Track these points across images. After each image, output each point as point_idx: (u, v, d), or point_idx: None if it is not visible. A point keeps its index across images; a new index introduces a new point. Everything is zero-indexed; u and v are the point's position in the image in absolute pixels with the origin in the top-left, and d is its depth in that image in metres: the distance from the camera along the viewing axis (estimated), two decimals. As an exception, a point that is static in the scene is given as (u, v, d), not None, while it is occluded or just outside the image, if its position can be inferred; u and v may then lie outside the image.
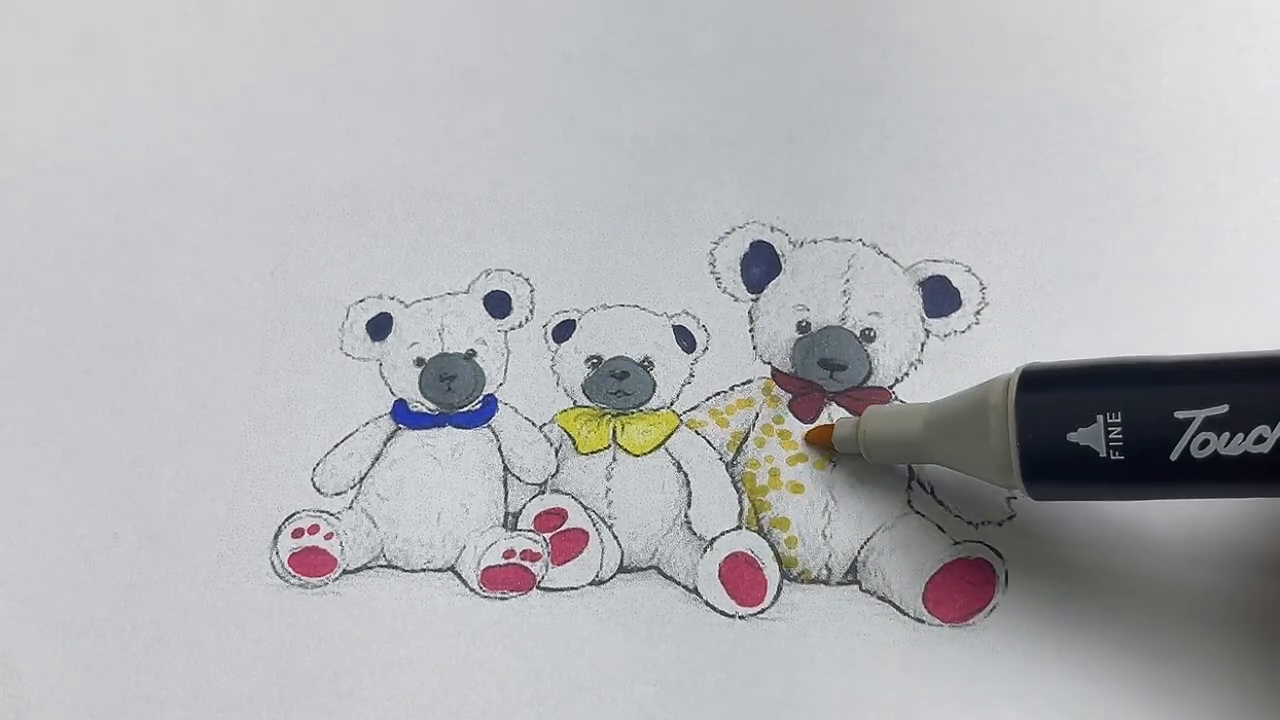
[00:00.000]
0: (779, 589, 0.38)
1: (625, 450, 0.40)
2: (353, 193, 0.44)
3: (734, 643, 0.38)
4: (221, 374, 0.41)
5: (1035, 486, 0.33)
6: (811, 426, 0.40)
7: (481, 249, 0.43)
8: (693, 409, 0.41)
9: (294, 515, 0.40)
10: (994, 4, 0.46)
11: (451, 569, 0.39)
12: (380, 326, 0.42)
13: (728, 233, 0.43)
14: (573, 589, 0.38)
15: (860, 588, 0.38)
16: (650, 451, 0.40)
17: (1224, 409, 0.31)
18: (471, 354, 0.42)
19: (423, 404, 0.41)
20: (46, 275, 0.43)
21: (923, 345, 0.41)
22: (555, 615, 0.38)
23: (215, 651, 0.38)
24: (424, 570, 0.39)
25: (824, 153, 0.44)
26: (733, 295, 0.42)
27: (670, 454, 0.40)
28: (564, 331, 0.42)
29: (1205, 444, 0.31)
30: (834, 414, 0.40)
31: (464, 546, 0.39)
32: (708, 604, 0.38)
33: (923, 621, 0.38)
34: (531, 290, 0.42)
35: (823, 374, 0.41)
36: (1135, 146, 0.44)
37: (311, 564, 0.39)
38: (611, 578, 0.39)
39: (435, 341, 0.42)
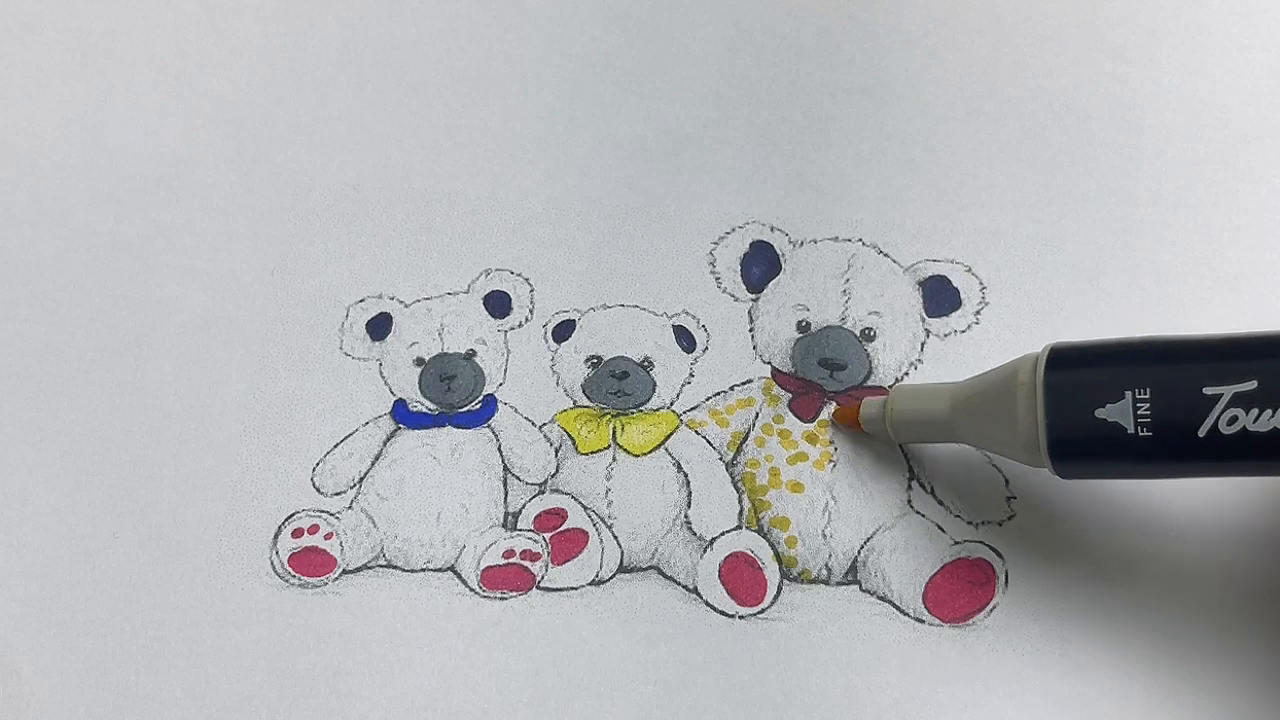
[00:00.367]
0: (779, 589, 0.38)
1: (625, 450, 0.40)
2: (353, 193, 0.44)
3: (734, 643, 0.38)
4: (221, 374, 0.41)
5: (1063, 464, 0.33)
6: (837, 407, 0.40)
7: (481, 249, 0.43)
8: (693, 409, 0.41)
9: (294, 515, 0.40)
10: (994, 4, 0.46)
11: (451, 569, 0.39)
12: (380, 326, 0.42)
13: (727, 233, 0.43)
14: (572, 589, 0.38)
15: (860, 588, 0.38)
16: (650, 451, 0.40)
17: (1253, 385, 0.31)
18: (471, 354, 0.42)
19: (423, 404, 0.41)
20: (46, 275, 0.43)
21: (923, 345, 0.41)
22: (555, 615, 0.38)
23: (215, 651, 0.38)
24: (424, 570, 0.39)
25: (824, 153, 0.44)
26: (732, 295, 0.42)
27: (670, 454, 0.40)
28: (564, 331, 0.42)
29: (1234, 420, 0.31)
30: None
31: (464, 546, 0.39)
32: (708, 604, 0.38)
33: (923, 621, 0.38)
34: (531, 290, 0.42)
35: (823, 374, 0.41)
36: (1135, 146, 0.44)
37: (311, 564, 0.39)
38: (611, 578, 0.39)
39: (435, 341, 0.42)
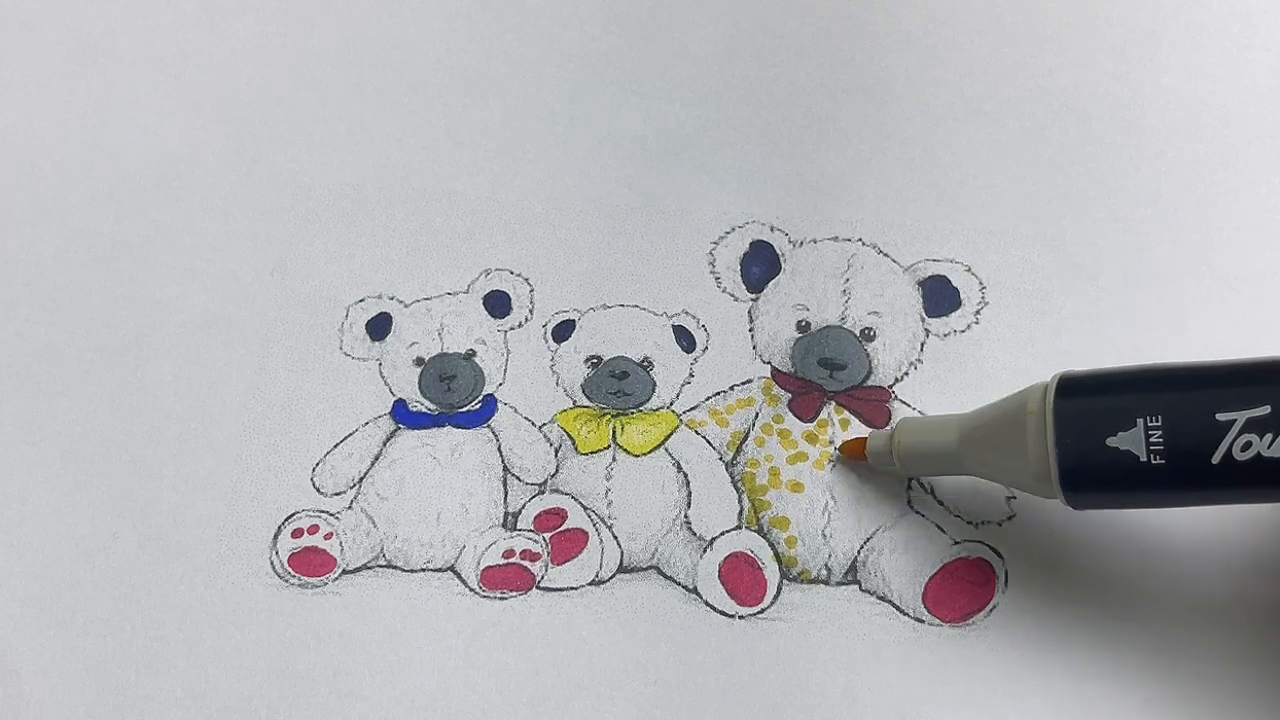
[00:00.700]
0: (779, 589, 0.38)
1: (625, 450, 0.40)
2: (353, 193, 0.44)
3: (734, 643, 0.38)
4: (221, 374, 0.41)
5: (1075, 495, 0.33)
6: (845, 439, 0.40)
7: (481, 249, 0.43)
8: (692, 409, 0.41)
9: (294, 515, 0.40)
10: (994, 4, 0.46)
11: (451, 569, 0.39)
12: (380, 326, 0.42)
13: (727, 232, 0.43)
14: (572, 589, 0.38)
15: (860, 588, 0.38)
16: (650, 451, 0.40)
17: (1266, 410, 0.30)
18: (471, 354, 0.42)
19: (422, 404, 0.41)
20: (46, 275, 0.43)
21: (922, 345, 0.41)
22: (555, 615, 0.38)
23: (215, 651, 0.38)
24: (424, 570, 0.39)
25: (824, 153, 0.44)
26: (732, 295, 0.42)
27: (670, 454, 0.40)
28: (564, 331, 0.42)
29: (1247, 446, 0.30)
30: (833, 414, 0.40)
31: (464, 546, 0.39)
32: (707, 604, 0.38)
33: (923, 621, 0.38)
34: (531, 290, 0.42)
35: (822, 373, 0.41)
36: (1135, 146, 0.44)
37: (311, 564, 0.39)
38: (611, 578, 0.39)
39: (435, 341, 0.42)
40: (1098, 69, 0.45)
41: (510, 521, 0.39)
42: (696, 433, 0.40)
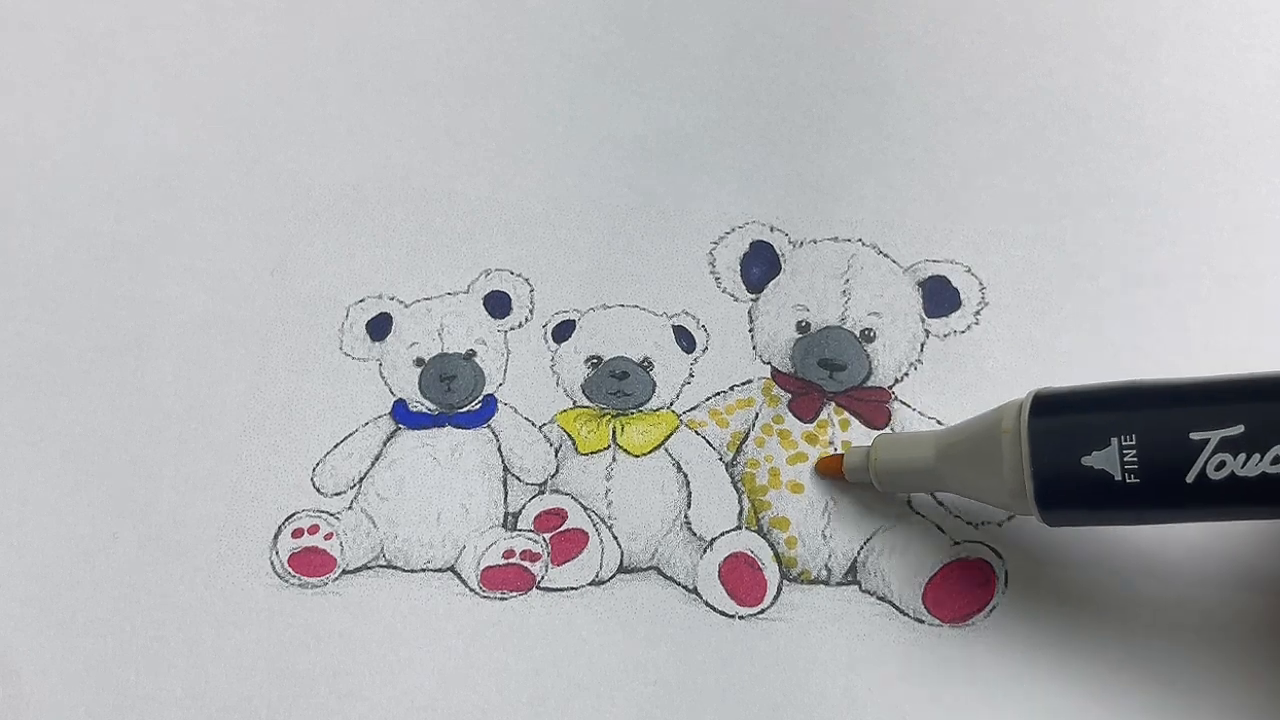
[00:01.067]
0: (779, 589, 0.38)
1: (625, 450, 0.40)
2: (353, 193, 0.44)
3: (734, 643, 0.38)
4: (221, 374, 0.41)
5: (1050, 513, 0.33)
6: (822, 456, 0.40)
7: (481, 249, 0.43)
8: (692, 409, 0.41)
9: (294, 515, 0.40)
10: (994, 4, 0.46)
11: (451, 569, 0.39)
12: (380, 326, 0.42)
13: (727, 233, 0.43)
14: (572, 589, 0.38)
15: (860, 588, 0.38)
16: (650, 452, 0.40)
17: (1239, 429, 0.30)
18: (471, 354, 0.42)
19: (422, 404, 0.41)
20: (46, 275, 0.43)
21: (922, 345, 0.41)
22: (555, 615, 0.38)
23: (215, 651, 0.38)
24: (424, 570, 0.39)
25: (824, 153, 0.44)
26: (732, 295, 0.42)
27: (670, 454, 0.40)
28: (564, 331, 0.42)
29: (1221, 465, 0.30)
30: (833, 414, 0.40)
31: (464, 546, 0.39)
32: (707, 604, 0.38)
33: (922, 622, 0.38)
34: (531, 290, 0.42)
35: (822, 374, 0.41)
36: (1135, 146, 0.44)
37: (311, 564, 0.39)
38: (611, 578, 0.39)
39: (435, 341, 0.42)
40: (1098, 69, 0.45)
41: (510, 522, 0.39)
42: (696, 433, 0.40)
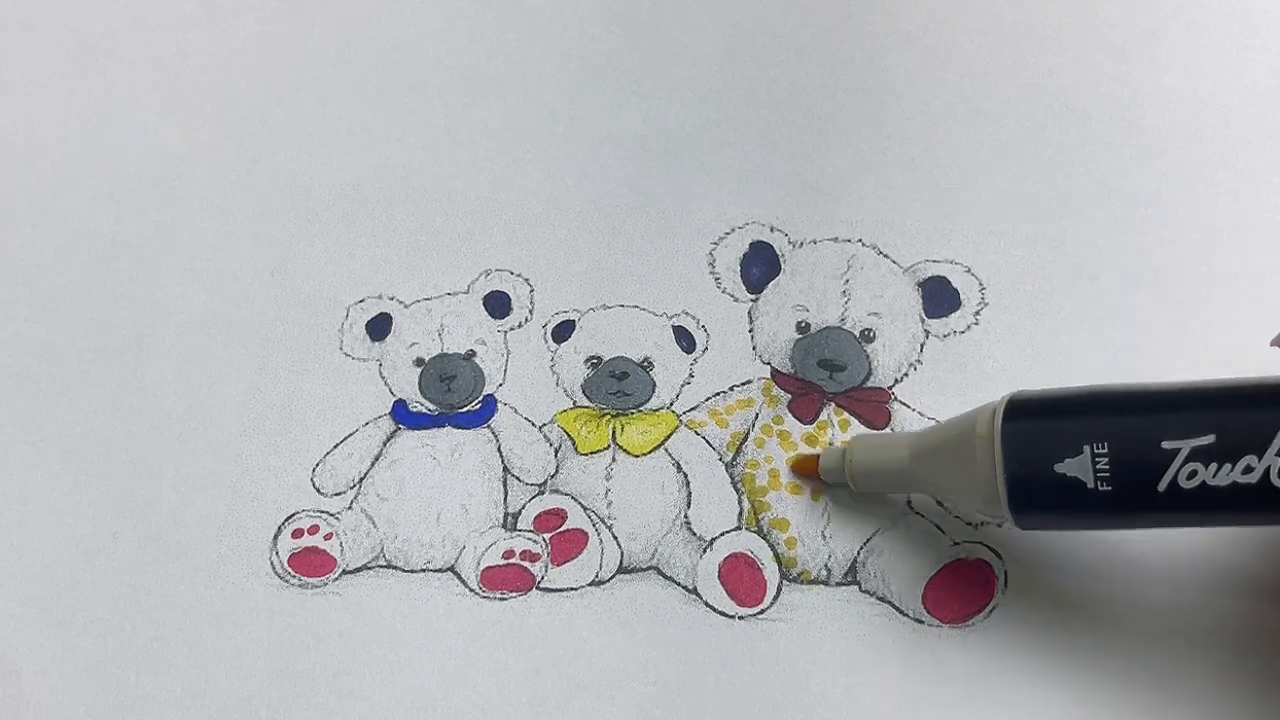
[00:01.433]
0: (778, 589, 0.38)
1: (625, 450, 0.40)
2: (353, 193, 0.44)
3: (733, 643, 0.38)
4: (221, 374, 0.41)
5: (1023, 517, 0.33)
6: (797, 455, 0.40)
7: (481, 249, 0.43)
8: (692, 409, 0.41)
9: (294, 515, 0.40)
10: (994, 4, 0.46)
11: (451, 569, 0.39)
12: (380, 326, 0.42)
13: (727, 233, 0.43)
14: (572, 589, 0.38)
15: (860, 588, 0.38)
16: (650, 452, 0.40)
17: (1210, 439, 0.30)
18: (471, 354, 0.42)
19: (422, 404, 0.41)
20: (46, 275, 0.43)
21: (922, 345, 0.41)
22: (555, 615, 0.38)
23: (215, 651, 0.38)
24: (424, 570, 0.39)
25: (824, 153, 0.44)
26: (732, 295, 0.42)
27: (670, 454, 0.40)
28: (564, 332, 0.42)
29: (1193, 474, 0.30)
30: (833, 415, 0.40)
31: (464, 547, 0.39)
32: (707, 604, 0.38)
33: (922, 622, 0.38)
34: (531, 290, 0.42)
35: (822, 374, 0.41)
36: (1135, 146, 0.44)
37: (311, 564, 0.39)
38: (611, 578, 0.39)
39: (435, 342, 0.42)
40: (1098, 69, 0.45)
41: (510, 522, 0.39)
42: (696, 433, 0.40)
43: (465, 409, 0.41)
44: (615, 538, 0.39)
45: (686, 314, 0.42)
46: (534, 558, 0.39)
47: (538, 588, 0.38)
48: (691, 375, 0.41)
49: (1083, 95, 0.45)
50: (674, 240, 0.43)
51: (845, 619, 0.38)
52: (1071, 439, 0.32)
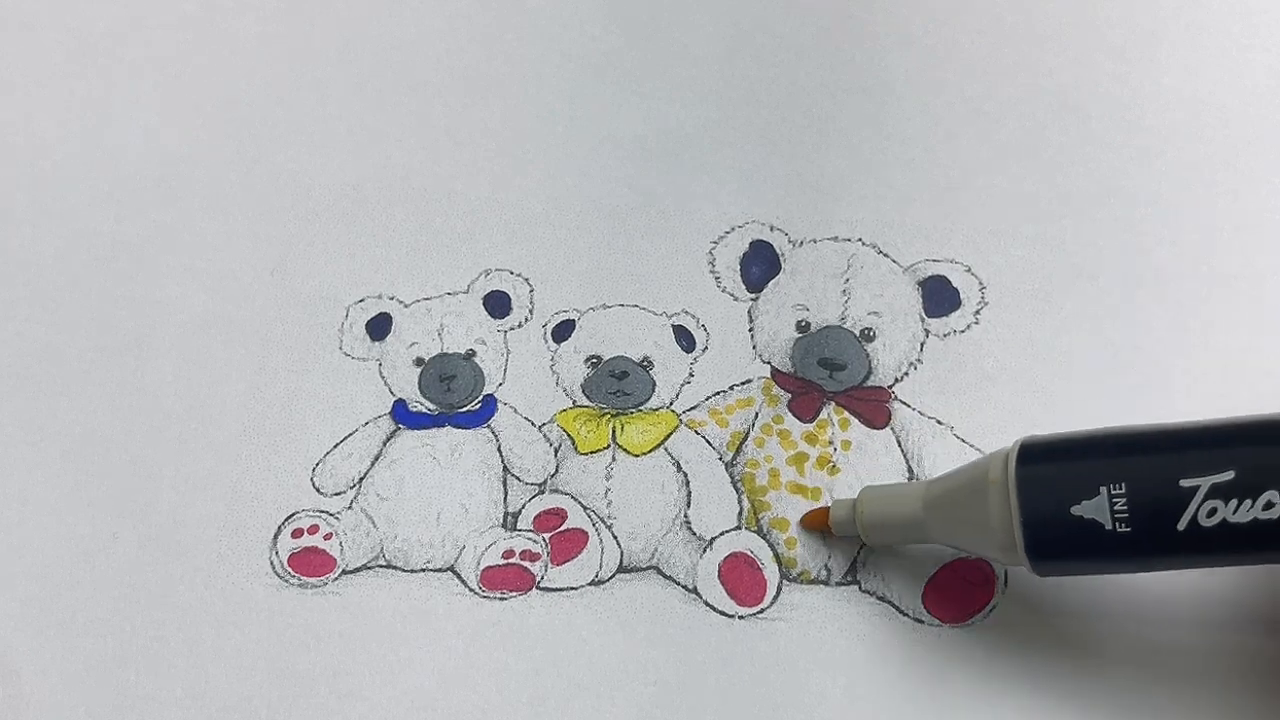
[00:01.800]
0: (778, 589, 0.38)
1: (625, 450, 0.40)
2: (353, 193, 0.44)
3: (733, 643, 0.38)
4: (221, 374, 0.41)
5: (1041, 564, 0.33)
6: (806, 510, 0.39)
7: (481, 249, 0.43)
8: (692, 409, 0.41)
9: (293, 515, 0.40)
10: (994, 4, 0.46)
11: (451, 569, 0.39)
12: (380, 326, 0.42)
13: (727, 232, 0.43)
14: (572, 589, 0.38)
15: (860, 588, 0.38)
16: (650, 451, 0.40)
17: (1230, 475, 0.30)
18: (471, 354, 0.42)
19: (422, 404, 0.41)
20: (46, 275, 0.43)
21: (922, 345, 0.41)
22: (555, 615, 0.38)
23: (215, 651, 0.38)
24: (424, 570, 0.39)
25: (824, 153, 0.44)
26: (732, 295, 0.42)
27: (670, 454, 0.40)
28: (564, 331, 0.42)
29: (1213, 512, 0.30)
30: (833, 414, 0.40)
31: (463, 546, 0.39)
32: (707, 604, 0.38)
33: (922, 622, 0.38)
34: (531, 290, 0.42)
35: (822, 374, 0.41)
36: (1135, 146, 0.44)
37: (311, 564, 0.39)
38: (611, 578, 0.39)
39: (435, 341, 0.42)
40: (1098, 69, 0.45)
41: (510, 521, 0.39)
42: (696, 433, 0.40)
43: (465, 409, 0.41)
44: (615, 537, 0.39)
45: (686, 313, 0.42)
46: (534, 557, 0.39)
47: (538, 587, 0.38)
48: (691, 374, 0.41)
49: (1083, 95, 0.45)
50: (674, 240, 0.43)
51: (845, 619, 0.38)
52: (1087, 481, 0.31)
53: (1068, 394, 0.40)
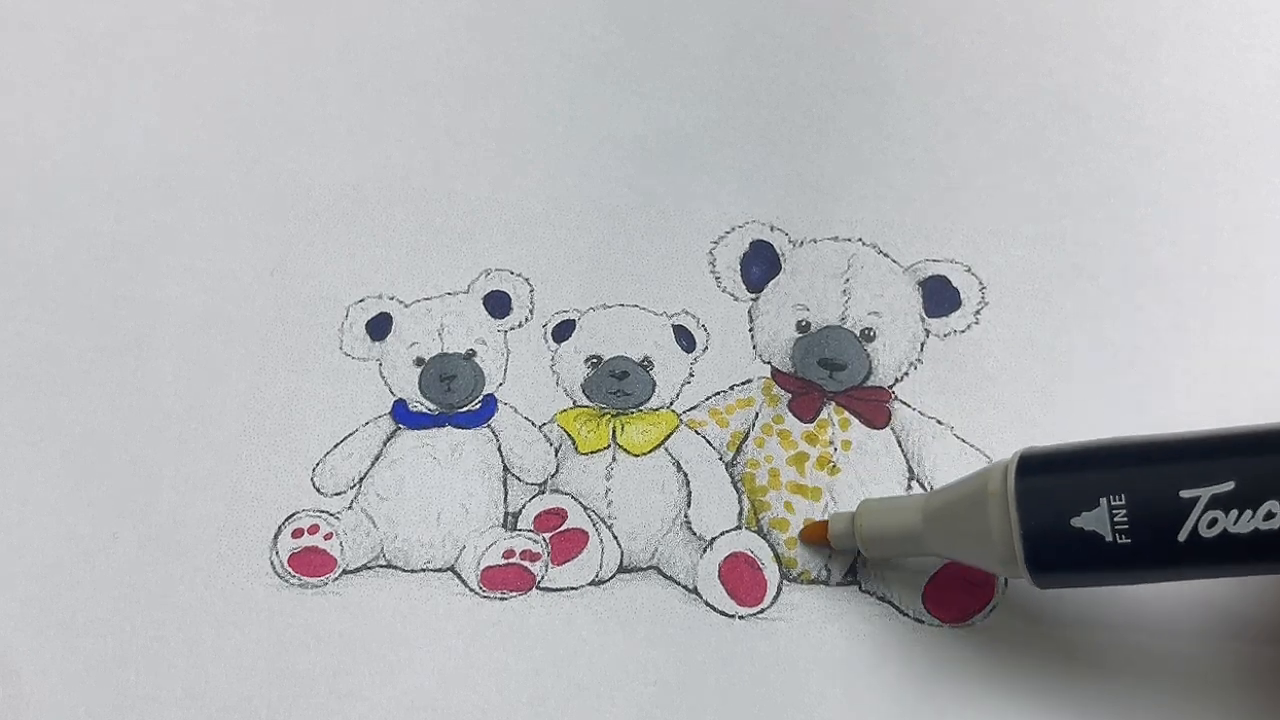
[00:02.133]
0: (779, 589, 0.38)
1: (625, 450, 0.40)
2: (353, 193, 0.44)
3: (734, 643, 0.38)
4: (221, 373, 0.41)
5: (1041, 576, 0.33)
6: (804, 525, 0.39)
7: (481, 249, 0.43)
8: (692, 409, 0.41)
9: (294, 515, 0.40)
10: (994, 4, 0.46)
11: (451, 569, 0.39)
12: (380, 326, 0.42)
13: (727, 232, 0.43)
14: (572, 589, 0.38)
15: (860, 588, 0.38)
16: (650, 451, 0.40)
17: (1230, 485, 0.30)
18: (471, 354, 0.42)
19: (422, 404, 0.41)
20: (46, 275, 0.43)
21: (922, 345, 0.41)
22: (555, 615, 0.38)
23: (215, 651, 0.38)
24: (424, 570, 0.39)
25: (824, 153, 0.44)
26: (732, 295, 0.42)
27: (670, 454, 0.40)
28: (564, 331, 0.42)
29: (1213, 523, 0.30)
30: (833, 414, 0.40)
31: (464, 546, 0.39)
32: (707, 604, 0.38)
33: (922, 622, 0.38)
34: (531, 290, 0.42)
35: (822, 374, 0.41)
36: (1135, 146, 0.44)
37: (311, 564, 0.39)
38: (611, 578, 0.39)
39: (435, 341, 0.42)
40: (1098, 69, 0.45)
41: (510, 521, 0.39)
42: (696, 433, 0.40)
43: (465, 409, 0.41)
44: (615, 537, 0.39)
45: (686, 313, 0.42)
46: (534, 557, 0.39)
47: (538, 587, 0.38)
48: (691, 374, 0.41)
49: (1083, 95, 0.45)
50: (674, 240, 0.43)
51: (845, 619, 0.38)
52: (1087, 492, 0.31)
53: (1068, 394, 0.40)
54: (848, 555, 0.38)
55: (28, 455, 0.40)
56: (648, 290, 0.42)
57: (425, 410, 0.41)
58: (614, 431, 0.40)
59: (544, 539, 0.39)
